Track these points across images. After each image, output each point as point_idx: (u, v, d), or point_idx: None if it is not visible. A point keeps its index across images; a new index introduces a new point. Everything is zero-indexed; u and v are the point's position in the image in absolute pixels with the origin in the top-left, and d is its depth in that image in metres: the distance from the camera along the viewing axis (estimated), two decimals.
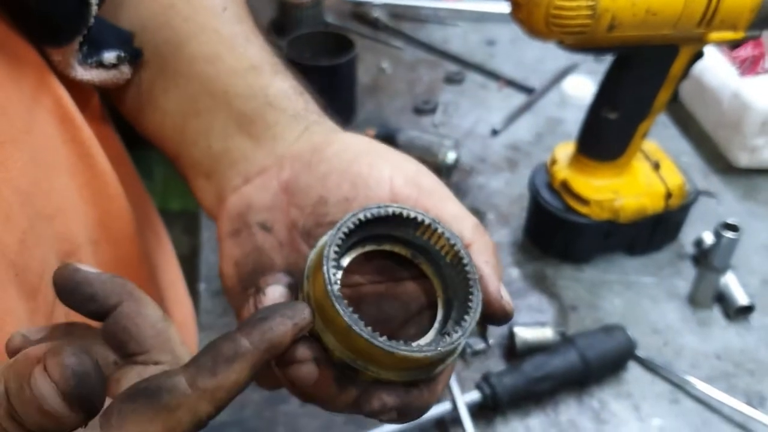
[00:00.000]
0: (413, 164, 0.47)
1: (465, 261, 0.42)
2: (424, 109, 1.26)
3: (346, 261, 0.43)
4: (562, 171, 0.96)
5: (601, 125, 0.92)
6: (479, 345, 0.88)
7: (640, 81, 0.88)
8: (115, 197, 0.57)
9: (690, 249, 1.03)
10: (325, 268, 0.38)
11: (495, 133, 1.22)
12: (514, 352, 0.87)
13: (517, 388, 0.81)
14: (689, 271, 1.00)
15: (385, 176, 0.45)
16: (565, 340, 0.85)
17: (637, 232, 0.98)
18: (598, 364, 0.84)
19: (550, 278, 0.98)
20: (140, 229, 0.62)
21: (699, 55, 0.86)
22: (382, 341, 0.37)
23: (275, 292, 0.44)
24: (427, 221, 0.42)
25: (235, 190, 0.50)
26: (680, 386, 0.86)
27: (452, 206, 0.45)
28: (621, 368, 0.87)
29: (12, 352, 0.35)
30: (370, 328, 0.37)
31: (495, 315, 0.43)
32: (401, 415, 0.41)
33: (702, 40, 0.83)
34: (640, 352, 0.87)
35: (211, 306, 0.92)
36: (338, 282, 0.39)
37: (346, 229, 0.40)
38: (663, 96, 0.89)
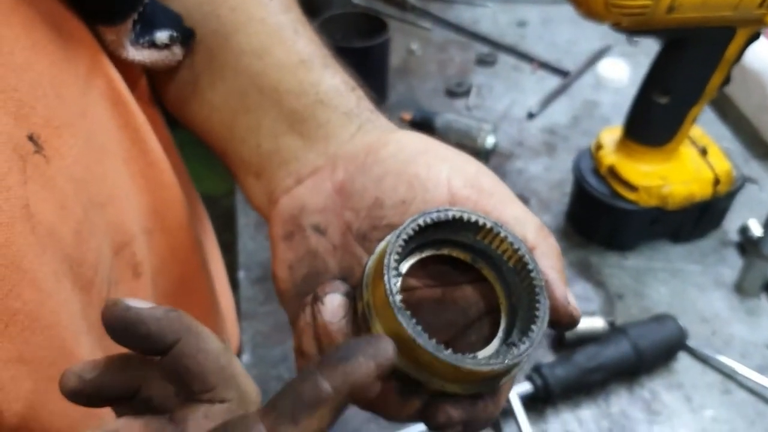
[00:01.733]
0: (473, 165, 0.45)
1: (530, 266, 0.40)
2: (456, 91, 1.23)
3: (404, 267, 0.41)
4: (609, 156, 0.94)
5: (650, 109, 0.89)
6: None
7: (693, 64, 0.85)
8: (169, 185, 0.55)
9: (734, 236, 1.01)
10: (386, 278, 0.36)
11: (531, 116, 1.19)
12: (562, 342, 0.85)
13: (569, 379, 0.79)
14: (734, 258, 0.98)
15: (443, 177, 0.43)
16: (616, 330, 0.83)
17: (683, 219, 0.96)
18: (650, 354, 0.82)
19: (595, 266, 0.96)
20: (191, 217, 0.60)
21: (755, 36, 0.84)
22: (447, 355, 0.35)
23: (334, 302, 0.42)
24: (488, 224, 0.40)
25: (286, 191, 0.48)
26: (731, 376, 0.84)
27: (514, 208, 0.43)
28: (672, 358, 0.85)
29: (69, 394, 0.33)
30: (434, 340, 0.36)
31: (561, 321, 0.41)
32: (467, 428, 0.40)
33: (761, 22, 0.80)
34: (690, 342, 0.86)
35: (252, 294, 0.90)
36: (399, 292, 0.37)
37: (406, 236, 0.38)
38: (716, 79, 0.86)
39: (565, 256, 0.96)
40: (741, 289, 0.93)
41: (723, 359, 0.85)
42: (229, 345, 0.40)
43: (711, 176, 0.93)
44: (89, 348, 0.43)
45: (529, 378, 0.80)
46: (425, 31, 1.37)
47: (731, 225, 1.01)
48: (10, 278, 0.37)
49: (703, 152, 0.96)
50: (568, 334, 0.85)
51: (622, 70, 1.27)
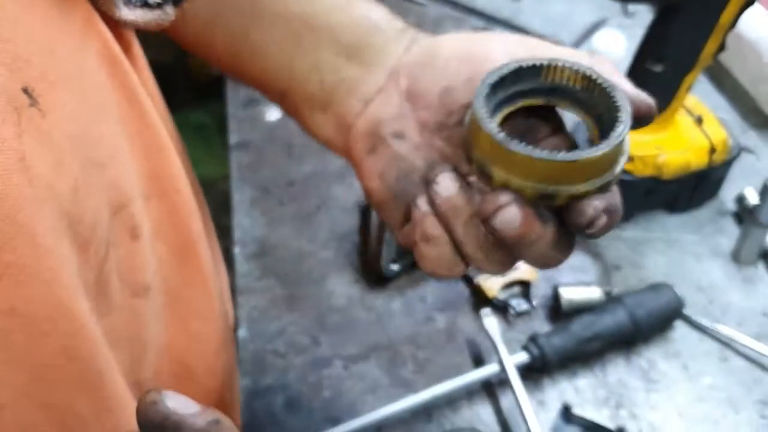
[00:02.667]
0: (518, 36, 0.50)
1: (595, 77, 0.43)
2: None
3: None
4: None
5: (645, 79, 0.88)
6: (523, 306, 0.86)
7: (687, 31, 0.84)
8: (166, 149, 0.55)
9: (731, 206, 1.00)
10: (483, 123, 0.41)
11: None
12: (558, 312, 0.85)
13: (565, 348, 0.79)
14: (731, 228, 0.98)
15: (498, 49, 0.47)
16: (613, 300, 0.83)
17: (679, 189, 0.96)
18: (647, 323, 0.82)
19: None
20: (188, 185, 0.60)
21: (750, 2, 0.83)
22: (563, 155, 0.40)
23: (446, 178, 0.46)
24: (545, 63, 0.44)
25: (359, 115, 0.51)
26: (728, 344, 0.84)
27: (564, 51, 0.47)
28: (668, 327, 0.85)
29: None
30: (546, 150, 0.40)
31: (641, 111, 0.45)
32: (610, 215, 0.43)
33: None
34: (687, 311, 0.85)
35: (248, 269, 0.90)
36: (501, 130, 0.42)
37: (486, 89, 0.43)
38: (711, 46, 0.86)
39: None
40: (738, 257, 0.93)
41: (720, 327, 0.85)
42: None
43: (707, 145, 0.93)
44: (87, 308, 0.43)
45: (525, 348, 0.80)
46: (420, 7, 1.36)
47: (728, 194, 1.01)
48: (5, 231, 0.36)
49: (699, 121, 0.95)
50: (565, 305, 0.84)
51: (618, 43, 1.26)
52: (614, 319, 0.81)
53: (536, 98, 0.46)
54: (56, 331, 0.39)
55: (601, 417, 0.77)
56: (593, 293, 0.85)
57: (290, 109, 0.57)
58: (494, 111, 0.45)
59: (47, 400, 0.41)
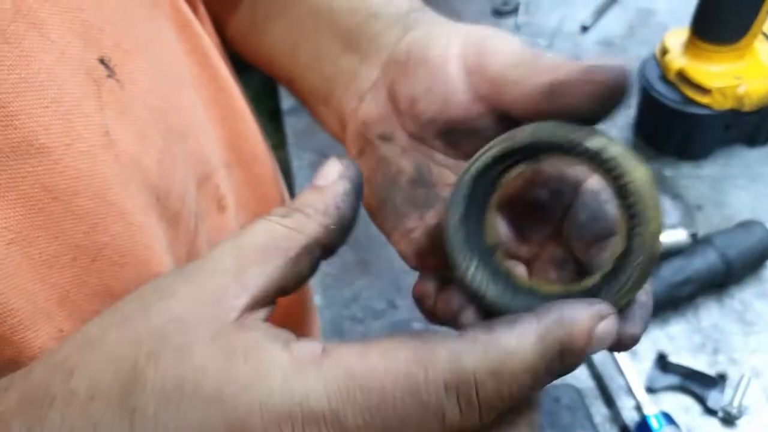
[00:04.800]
0: (483, 30, 0.41)
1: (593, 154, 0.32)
2: (503, 10, 1.17)
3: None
4: (677, 60, 0.88)
5: (720, 4, 0.83)
6: None
7: None
8: (242, 114, 0.53)
9: None
10: (457, 265, 0.34)
11: (585, 29, 1.13)
12: None
13: (657, 294, 0.75)
14: None
15: (453, 51, 0.39)
16: (701, 241, 0.79)
17: (760, 121, 0.90)
18: (739, 263, 0.78)
19: (670, 178, 0.91)
20: (266, 151, 0.57)
21: None
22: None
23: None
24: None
25: (353, 114, 0.46)
26: None
27: (516, 43, 0.39)
28: (761, 266, 0.81)
29: None
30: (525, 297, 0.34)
31: (607, 88, 0.33)
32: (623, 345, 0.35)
33: None
34: None
35: None
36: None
37: (457, 215, 0.35)
38: None
39: None
40: None
41: None
42: None
43: None
44: None
45: None
46: None
47: None
48: (96, 211, 0.34)
49: None
50: None
51: None
52: (704, 261, 0.77)
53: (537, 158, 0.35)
54: None
55: (699, 364, 0.73)
56: (679, 236, 0.81)
57: (301, 100, 0.52)
58: (494, 182, 0.36)
59: None
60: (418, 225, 0.40)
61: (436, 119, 0.40)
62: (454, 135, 0.40)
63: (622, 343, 0.34)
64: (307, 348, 0.28)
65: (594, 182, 0.37)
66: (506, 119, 0.38)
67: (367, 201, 0.44)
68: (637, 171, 0.31)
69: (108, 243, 0.36)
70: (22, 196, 0.33)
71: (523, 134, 0.34)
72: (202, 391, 0.27)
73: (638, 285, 0.32)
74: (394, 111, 0.43)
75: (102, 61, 0.37)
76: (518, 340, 0.28)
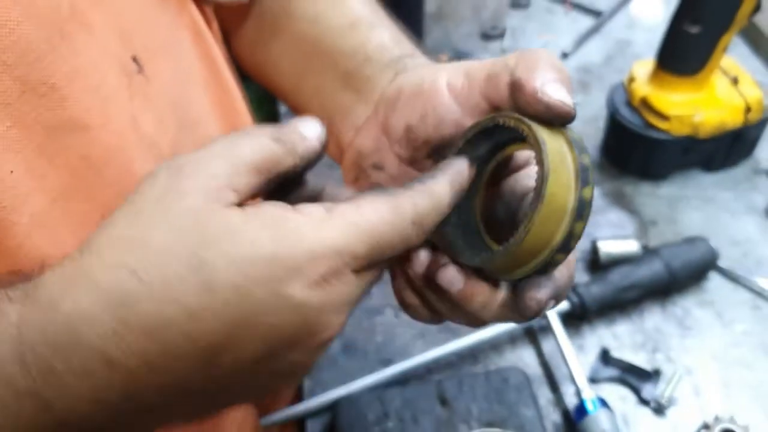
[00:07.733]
0: (467, 64, 0.48)
1: (523, 124, 0.40)
2: (491, 34, 1.26)
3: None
4: (642, 88, 0.97)
5: (682, 39, 0.92)
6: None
7: None
8: (241, 113, 0.61)
9: (766, 164, 1.03)
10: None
11: (565, 56, 1.22)
12: (597, 264, 0.90)
13: (604, 297, 0.84)
14: (766, 185, 1.01)
15: (442, 80, 0.46)
16: (650, 252, 0.87)
17: (715, 148, 0.99)
18: (682, 273, 0.86)
19: (629, 195, 1.00)
20: None
21: None
22: (478, 260, 0.41)
23: (421, 257, 0.44)
24: (490, 124, 0.42)
25: (349, 145, 0.53)
26: (761, 294, 0.88)
27: (498, 62, 0.44)
28: (703, 278, 0.89)
29: None
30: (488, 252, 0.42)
31: (559, 114, 0.39)
32: (555, 300, 0.43)
33: None
34: (721, 263, 0.89)
35: None
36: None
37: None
38: (746, 7, 0.89)
39: (600, 186, 1.01)
40: None
41: (754, 279, 0.88)
42: None
43: (742, 104, 0.96)
44: None
45: (566, 296, 0.84)
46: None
47: (763, 153, 1.04)
48: (122, 179, 0.42)
49: (735, 81, 0.98)
50: (603, 258, 0.89)
51: (655, 8, 1.29)
52: (651, 269, 0.85)
53: (509, 146, 0.45)
54: None
55: (638, 360, 0.81)
56: (630, 246, 0.89)
57: None
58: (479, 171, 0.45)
59: None
60: None
61: (431, 138, 0.46)
62: (444, 151, 0.47)
63: (525, 304, 0.41)
64: (315, 209, 0.36)
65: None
66: None
67: None
68: (548, 143, 0.39)
69: None
70: (65, 163, 0.41)
71: (484, 120, 0.43)
72: (263, 256, 0.34)
73: (537, 230, 0.38)
74: (386, 142, 0.50)
75: (134, 59, 0.45)
76: (441, 187, 0.40)
